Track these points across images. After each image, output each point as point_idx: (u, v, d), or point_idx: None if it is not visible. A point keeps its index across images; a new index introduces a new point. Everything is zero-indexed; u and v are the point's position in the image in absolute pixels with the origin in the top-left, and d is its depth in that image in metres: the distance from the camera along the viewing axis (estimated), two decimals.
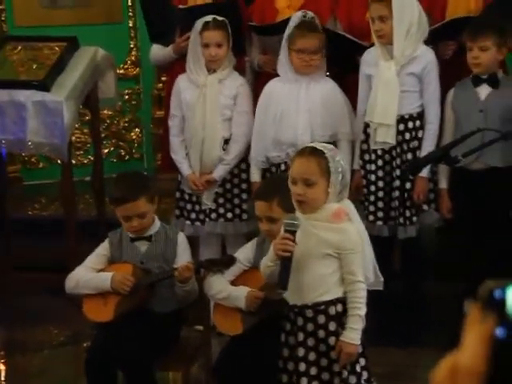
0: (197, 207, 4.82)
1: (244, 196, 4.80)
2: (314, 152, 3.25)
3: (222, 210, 4.78)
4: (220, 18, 4.69)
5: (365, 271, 3.30)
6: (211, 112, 4.70)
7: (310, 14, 4.60)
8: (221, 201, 4.79)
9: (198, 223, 4.81)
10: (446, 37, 4.71)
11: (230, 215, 4.78)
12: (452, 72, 4.58)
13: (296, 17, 4.60)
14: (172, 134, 4.86)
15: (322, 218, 3.24)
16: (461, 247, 4.49)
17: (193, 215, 4.83)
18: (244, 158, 4.79)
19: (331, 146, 3.46)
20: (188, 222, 4.82)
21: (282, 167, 4.60)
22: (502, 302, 0.94)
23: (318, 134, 4.52)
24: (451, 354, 0.96)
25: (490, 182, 4.31)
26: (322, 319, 3.26)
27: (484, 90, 4.38)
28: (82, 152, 6.99)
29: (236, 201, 4.79)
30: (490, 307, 0.94)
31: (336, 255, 3.24)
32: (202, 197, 4.78)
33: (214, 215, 4.78)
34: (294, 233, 3.17)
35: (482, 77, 4.37)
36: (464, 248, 4.45)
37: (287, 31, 4.56)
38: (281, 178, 3.83)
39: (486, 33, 4.27)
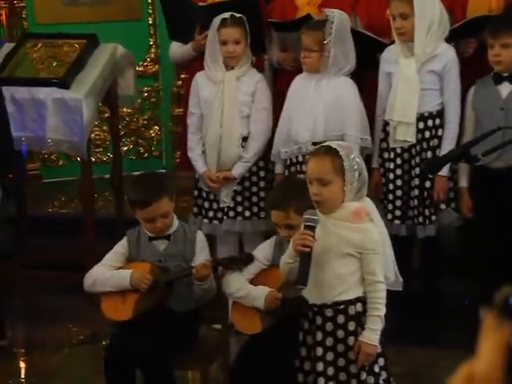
0: (215, 205, 4.81)
1: (262, 194, 4.78)
2: (328, 151, 3.24)
3: (240, 208, 4.77)
4: (238, 15, 4.68)
5: (385, 271, 3.28)
6: (229, 109, 4.69)
7: (330, 12, 4.53)
8: (239, 199, 4.77)
9: (215, 221, 4.80)
10: (466, 35, 4.68)
11: (248, 213, 4.77)
12: (473, 70, 4.54)
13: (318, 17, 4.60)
14: (190, 131, 4.85)
15: (342, 217, 3.22)
16: (481, 246, 4.46)
17: (211, 213, 4.82)
18: (261, 156, 4.78)
19: (346, 144, 3.45)
20: (206, 221, 4.81)
21: (287, 163, 4.60)
22: None
23: (319, 134, 4.48)
24: (467, 362, 0.94)
25: (511, 180, 4.28)
26: (341, 319, 3.24)
27: (505, 88, 4.34)
28: (101, 149, 7.00)
29: (254, 199, 4.78)
30: (506, 314, 0.92)
31: (357, 255, 3.22)
32: (220, 195, 4.77)
33: (232, 213, 4.77)
34: (313, 228, 3.16)
35: (503, 74, 4.33)
36: (484, 247, 4.42)
37: None
38: (295, 183, 3.85)
39: (508, 30, 4.23)
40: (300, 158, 4.52)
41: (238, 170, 4.72)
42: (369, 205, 3.29)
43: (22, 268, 5.47)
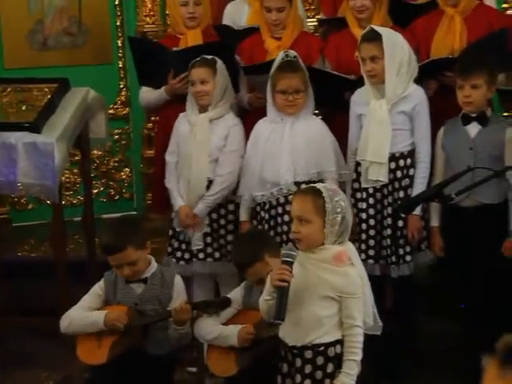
0: (183, 246, 4.78)
1: (230, 237, 4.75)
2: (311, 191, 3.30)
3: (209, 250, 4.75)
4: (209, 57, 4.72)
5: (364, 316, 3.30)
6: (199, 152, 4.68)
7: (292, 53, 4.60)
8: (208, 240, 4.76)
9: (182, 262, 4.76)
10: (426, 76, 4.73)
11: (217, 254, 4.75)
12: (435, 111, 4.59)
13: (279, 57, 4.61)
14: (168, 169, 4.82)
15: (324, 259, 3.25)
16: (454, 284, 4.48)
17: (180, 254, 4.79)
18: (232, 200, 4.75)
19: (334, 187, 3.47)
20: (174, 260, 4.78)
21: (266, 206, 4.59)
22: None
23: (301, 174, 4.51)
24: None
25: (481, 218, 4.32)
26: (320, 360, 3.25)
27: (473, 129, 4.39)
28: (71, 192, 6.97)
29: (222, 241, 4.76)
30: (509, 363, 0.91)
31: (337, 298, 3.24)
32: (192, 237, 4.74)
33: (201, 255, 4.75)
34: (291, 264, 3.19)
35: (471, 115, 4.39)
36: (457, 285, 4.44)
37: (271, 73, 4.58)
38: (251, 234, 3.95)
39: (478, 71, 4.29)
40: (281, 200, 4.53)
41: (198, 208, 4.69)
42: (350, 249, 3.31)
43: None
